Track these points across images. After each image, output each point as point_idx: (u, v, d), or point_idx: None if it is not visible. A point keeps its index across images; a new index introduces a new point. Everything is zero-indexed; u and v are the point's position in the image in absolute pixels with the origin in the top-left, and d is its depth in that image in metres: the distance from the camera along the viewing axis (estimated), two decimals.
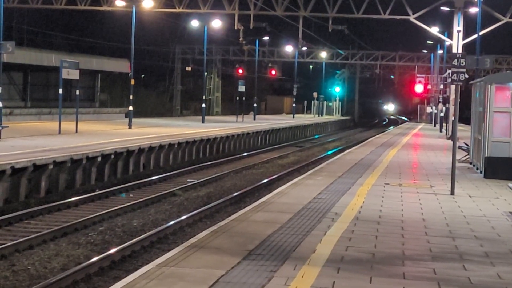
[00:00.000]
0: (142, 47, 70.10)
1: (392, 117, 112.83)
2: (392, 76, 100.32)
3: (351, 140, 57.89)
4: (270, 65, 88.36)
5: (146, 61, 77.78)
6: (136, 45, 43.42)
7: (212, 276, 9.05)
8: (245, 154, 38.99)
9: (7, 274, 12.90)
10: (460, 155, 27.16)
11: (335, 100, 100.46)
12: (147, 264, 10.60)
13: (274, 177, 28.53)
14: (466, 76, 18.30)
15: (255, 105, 65.56)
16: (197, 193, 23.86)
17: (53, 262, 13.87)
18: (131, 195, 22.97)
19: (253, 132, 45.69)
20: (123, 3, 44.87)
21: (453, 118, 22.00)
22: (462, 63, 18.19)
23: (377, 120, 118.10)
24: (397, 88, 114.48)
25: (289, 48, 79.03)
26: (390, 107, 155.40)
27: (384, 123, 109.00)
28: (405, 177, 21.59)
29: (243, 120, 58.31)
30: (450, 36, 48.55)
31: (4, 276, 12.77)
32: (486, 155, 21.43)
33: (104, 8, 47.38)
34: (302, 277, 9.16)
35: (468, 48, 46.72)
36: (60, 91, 33.10)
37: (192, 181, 26.13)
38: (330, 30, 50.65)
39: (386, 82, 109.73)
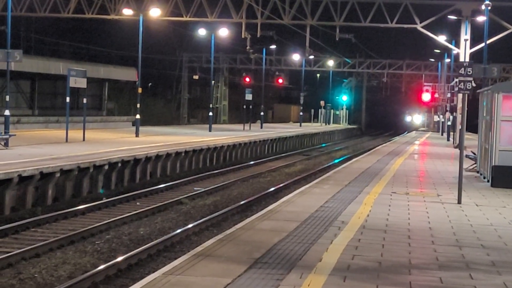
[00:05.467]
0: (149, 55, 70.22)
1: (421, 129, 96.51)
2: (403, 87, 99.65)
3: (358, 149, 57.88)
4: (277, 73, 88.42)
5: (153, 69, 77.94)
6: (143, 53, 43.51)
7: (219, 285, 9.05)
8: (252, 162, 38.98)
9: (13, 282, 12.91)
10: (467, 164, 27.11)
11: (342, 109, 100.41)
12: (153, 272, 10.58)
13: (281, 185, 28.53)
14: (473, 84, 18.29)
15: (262, 113, 65.63)
16: (204, 202, 23.86)
17: (60, 270, 13.88)
18: (137, 203, 23.00)
19: (260, 141, 45.70)
20: (130, 12, 44.99)
21: (460, 127, 21.98)
22: (469, 71, 18.16)
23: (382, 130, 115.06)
24: (404, 96, 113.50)
25: (296, 57, 79.05)
26: (416, 119, 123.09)
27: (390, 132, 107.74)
28: (412, 185, 21.56)
29: (250, 128, 58.33)
30: (457, 45, 48.57)
31: (10, 284, 12.79)
32: (493, 164, 21.39)
33: (112, 16, 47.51)
34: (309, 285, 9.15)
35: (476, 57, 46.70)
36: (68, 99, 33.20)
37: (199, 190, 26.14)
38: (337, 39, 50.80)
39: (393, 90, 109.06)
